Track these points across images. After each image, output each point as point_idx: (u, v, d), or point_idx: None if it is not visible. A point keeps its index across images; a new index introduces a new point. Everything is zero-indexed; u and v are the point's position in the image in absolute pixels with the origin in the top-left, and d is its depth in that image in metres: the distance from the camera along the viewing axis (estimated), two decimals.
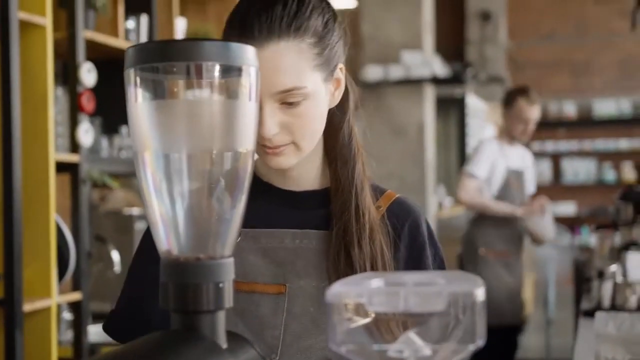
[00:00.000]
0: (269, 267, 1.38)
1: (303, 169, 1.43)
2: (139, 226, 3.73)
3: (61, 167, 3.27)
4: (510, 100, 4.75)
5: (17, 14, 2.93)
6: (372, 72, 7.03)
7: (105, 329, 1.46)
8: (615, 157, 10.82)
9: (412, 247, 1.43)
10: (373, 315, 0.75)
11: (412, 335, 0.74)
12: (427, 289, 0.74)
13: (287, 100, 1.30)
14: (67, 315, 3.57)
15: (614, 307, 2.99)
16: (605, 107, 10.79)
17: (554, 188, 10.96)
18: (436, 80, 7.15)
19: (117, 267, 3.59)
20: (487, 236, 4.68)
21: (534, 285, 7.92)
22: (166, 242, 0.86)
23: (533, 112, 4.69)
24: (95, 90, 3.43)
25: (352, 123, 1.44)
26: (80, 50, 3.36)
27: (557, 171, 11.03)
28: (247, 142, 0.87)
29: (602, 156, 10.87)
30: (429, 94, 7.20)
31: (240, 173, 0.88)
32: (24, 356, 2.98)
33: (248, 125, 0.87)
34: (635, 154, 10.72)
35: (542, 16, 10.99)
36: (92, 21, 3.51)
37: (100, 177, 3.50)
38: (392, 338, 0.75)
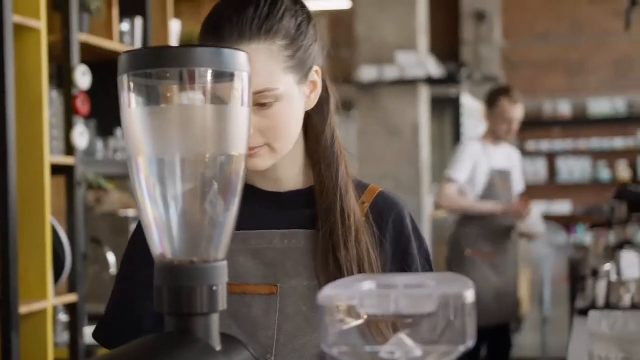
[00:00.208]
0: (260, 268, 1.39)
1: (285, 171, 1.44)
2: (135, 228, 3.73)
3: (56, 169, 3.28)
4: (493, 100, 4.76)
5: (12, 18, 2.94)
6: (367, 73, 7.04)
7: (95, 336, 1.46)
8: (610, 156, 10.84)
9: (398, 242, 1.44)
10: (365, 317, 0.76)
11: (403, 336, 0.75)
12: (418, 291, 0.75)
13: (259, 101, 1.31)
14: (63, 317, 3.58)
15: (608, 305, 3.00)
16: (600, 106, 10.82)
17: (549, 187, 10.99)
18: (431, 81, 7.16)
19: (113, 269, 3.60)
20: (473, 237, 4.68)
21: (529, 284, 7.94)
22: (160, 245, 0.86)
23: (516, 112, 4.69)
24: (90, 92, 3.44)
25: (334, 126, 1.46)
26: (75, 53, 3.37)
27: (552, 170, 11.05)
28: (239, 146, 0.88)
29: (597, 155, 10.89)
30: (424, 94, 7.21)
31: (233, 177, 0.89)
32: (20, 358, 2.99)
33: (240, 129, 0.89)
34: (630, 152, 10.74)
35: (537, 16, 11.01)
36: (87, 24, 3.51)
37: (96, 180, 3.51)
38: (383, 340, 0.76)
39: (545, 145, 10.98)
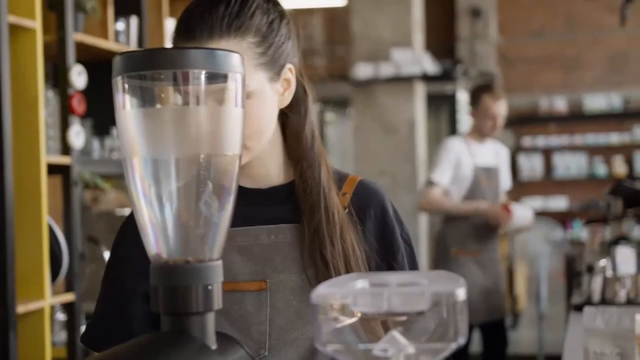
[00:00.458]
0: (248, 265, 1.40)
1: (264, 168, 1.45)
2: None
3: (53, 169, 3.28)
4: (475, 98, 4.77)
5: (7, 18, 2.94)
6: (363, 70, 7.05)
7: (83, 341, 1.47)
8: (606, 152, 10.85)
9: (382, 233, 1.47)
10: (358, 315, 0.77)
11: (396, 334, 0.76)
12: (410, 290, 0.76)
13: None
14: (61, 316, 3.58)
15: (604, 301, 3.01)
16: (596, 102, 10.83)
17: (546, 183, 11.00)
18: (426, 78, 7.17)
19: None
20: (458, 236, 4.68)
21: (526, 280, 7.95)
22: (155, 245, 0.87)
23: (499, 108, 4.69)
24: (86, 92, 3.45)
25: (313, 124, 1.46)
26: (71, 53, 3.37)
27: (548, 166, 11.06)
28: (233, 147, 0.89)
29: (593, 151, 10.90)
30: (420, 91, 7.22)
31: (228, 177, 0.90)
32: (18, 357, 2.99)
33: (234, 130, 0.90)
34: (626, 148, 10.76)
35: (532, 12, 11.02)
36: (82, 23, 3.52)
37: (92, 179, 3.51)
38: (376, 337, 0.77)
39: (541, 141, 10.98)
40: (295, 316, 1.38)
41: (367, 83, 7.04)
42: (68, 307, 3.43)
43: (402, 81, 7.03)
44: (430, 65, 7.31)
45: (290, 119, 1.45)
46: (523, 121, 10.95)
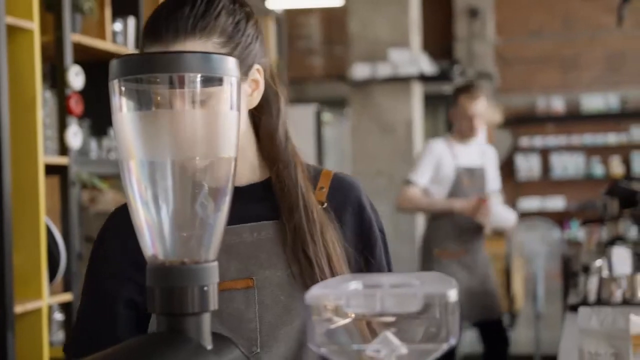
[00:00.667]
0: (233, 264, 1.41)
1: (239, 167, 1.46)
2: None
3: (50, 169, 3.29)
4: (454, 99, 4.79)
5: (5, 19, 2.95)
6: (360, 70, 7.06)
7: (66, 351, 1.47)
8: (604, 152, 10.87)
9: (360, 226, 1.50)
10: (352, 316, 0.78)
11: (389, 335, 0.77)
12: (403, 291, 0.77)
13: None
14: (58, 316, 3.59)
15: (600, 301, 3.02)
16: (593, 102, 10.85)
17: (543, 183, 11.01)
18: (424, 78, 7.18)
19: None
20: (440, 237, 4.67)
21: (523, 280, 7.96)
22: (152, 247, 0.88)
23: (475, 107, 4.68)
24: (84, 92, 3.45)
25: (286, 125, 1.47)
26: (68, 54, 3.38)
27: (545, 166, 11.07)
28: (229, 149, 0.90)
29: (591, 151, 10.92)
30: (417, 92, 7.23)
31: (223, 179, 0.91)
32: (15, 357, 3.00)
33: (230, 132, 0.91)
34: (623, 148, 10.77)
35: (530, 12, 11.03)
36: (79, 24, 3.52)
37: (90, 179, 3.52)
38: (369, 338, 0.78)
39: (538, 141, 11.00)
40: (284, 311, 1.39)
41: (365, 83, 7.05)
42: (66, 307, 3.43)
43: (400, 81, 7.04)
44: (427, 66, 7.32)
45: (262, 121, 1.46)
46: (520, 121, 10.97)
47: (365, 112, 7.08)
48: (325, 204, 1.46)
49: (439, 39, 10.73)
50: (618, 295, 3.01)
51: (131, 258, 1.38)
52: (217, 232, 0.90)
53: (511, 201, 10.63)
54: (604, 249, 3.86)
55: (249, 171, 1.47)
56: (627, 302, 2.97)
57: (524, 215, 10.19)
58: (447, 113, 9.02)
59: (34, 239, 3.11)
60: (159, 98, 0.91)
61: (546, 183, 11.01)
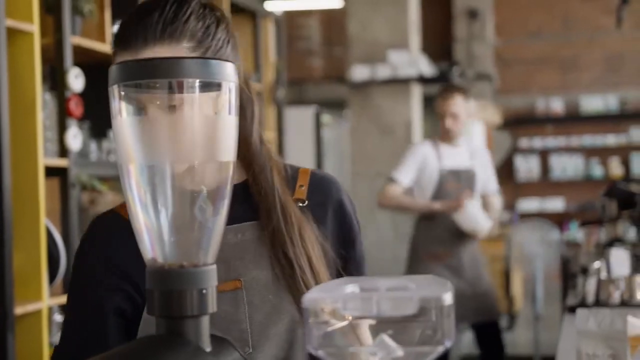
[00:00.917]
0: (220, 266, 1.41)
1: None
2: None
3: (50, 171, 3.30)
4: (435, 101, 4.79)
5: (5, 22, 2.96)
6: (359, 72, 7.07)
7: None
8: (603, 153, 10.88)
9: (341, 223, 1.51)
10: (349, 319, 0.79)
11: (385, 337, 0.78)
12: (399, 294, 0.78)
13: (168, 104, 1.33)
14: (58, 318, 3.59)
15: (598, 302, 3.02)
16: (592, 103, 10.86)
17: (543, 184, 11.02)
18: (423, 79, 7.19)
19: None
20: (426, 239, 4.65)
21: (522, 281, 7.97)
22: (151, 250, 0.89)
23: (447, 107, 4.65)
24: (83, 94, 3.46)
25: (260, 128, 1.48)
26: (68, 56, 3.38)
27: (545, 167, 11.08)
28: (227, 153, 0.91)
29: (590, 152, 10.93)
30: (416, 93, 7.24)
31: (222, 183, 0.92)
32: (15, 358, 3.01)
33: (228, 137, 0.92)
34: (622, 149, 10.78)
35: (529, 13, 11.04)
36: (79, 27, 3.53)
37: (89, 181, 3.53)
38: (366, 341, 0.79)
39: (538, 142, 11.01)
40: (273, 310, 1.40)
41: (364, 85, 7.06)
42: None
43: (399, 83, 7.05)
44: (426, 67, 7.33)
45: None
46: (520, 122, 10.98)
47: (365, 113, 7.09)
48: (306, 202, 1.47)
49: (438, 40, 10.74)
50: (616, 296, 3.01)
51: (114, 266, 1.38)
52: (216, 235, 0.91)
53: (510, 202, 10.64)
54: (602, 250, 3.87)
55: None
56: (625, 303, 2.98)
57: (523, 217, 10.21)
58: None
59: (34, 241, 3.11)
60: (158, 103, 0.93)
61: (545, 184, 11.02)
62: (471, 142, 5.00)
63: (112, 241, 1.41)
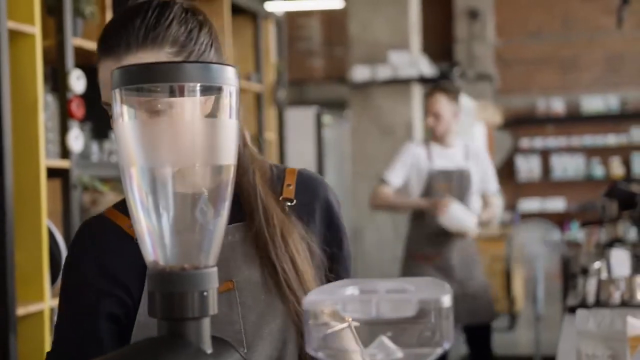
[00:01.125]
0: None
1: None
2: None
3: (52, 172, 3.30)
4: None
5: (6, 24, 2.97)
6: (360, 73, 7.07)
7: None
8: (604, 153, 10.89)
9: (329, 223, 1.52)
10: (348, 320, 0.80)
11: (384, 339, 0.79)
12: (398, 296, 0.79)
13: (151, 109, 1.33)
14: None
15: (599, 303, 3.02)
16: (593, 103, 10.87)
17: (544, 184, 11.03)
18: (424, 80, 7.19)
19: None
20: (417, 240, 4.65)
21: (523, 281, 7.98)
22: (152, 252, 0.90)
23: (430, 106, 4.65)
24: (85, 96, 3.47)
25: (243, 131, 1.48)
26: (69, 57, 3.39)
27: (546, 167, 11.09)
28: (228, 157, 0.92)
29: (591, 152, 10.94)
30: (417, 94, 7.24)
31: (223, 185, 0.92)
32: (17, 359, 3.01)
33: (229, 140, 0.92)
34: (623, 149, 10.79)
35: (530, 14, 11.05)
36: (81, 28, 3.54)
37: (91, 182, 3.53)
38: (365, 343, 0.80)
39: (538, 142, 11.02)
40: (266, 310, 1.41)
41: (365, 85, 7.07)
42: None
43: (400, 83, 7.05)
44: (427, 68, 7.33)
45: None
46: (521, 122, 10.99)
47: (365, 114, 7.09)
48: (294, 201, 1.48)
49: (439, 41, 10.75)
50: (616, 297, 3.01)
51: (105, 271, 1.38)
52: (217, 237, 0.91)
53: (511, 202, 10.65)
54: (602, 250, 3.87)
55: None
56: (625, 303, 2.98)
57: (524, 217, 10.21)
58: None
59: (35, 242, 3.12)
60: (159, 107, 0.93)
61: (546, 184, 11.03)
62: (470, 142, 4.99)
63: (102, 246, 1.41)
